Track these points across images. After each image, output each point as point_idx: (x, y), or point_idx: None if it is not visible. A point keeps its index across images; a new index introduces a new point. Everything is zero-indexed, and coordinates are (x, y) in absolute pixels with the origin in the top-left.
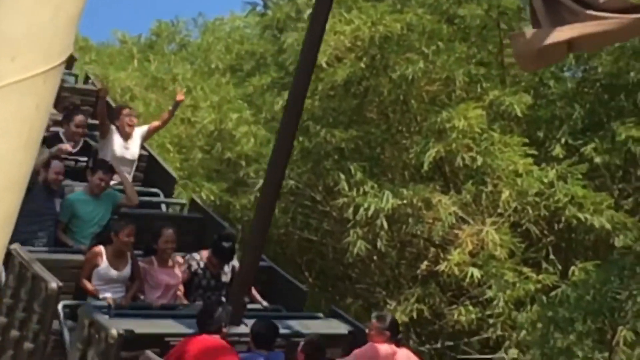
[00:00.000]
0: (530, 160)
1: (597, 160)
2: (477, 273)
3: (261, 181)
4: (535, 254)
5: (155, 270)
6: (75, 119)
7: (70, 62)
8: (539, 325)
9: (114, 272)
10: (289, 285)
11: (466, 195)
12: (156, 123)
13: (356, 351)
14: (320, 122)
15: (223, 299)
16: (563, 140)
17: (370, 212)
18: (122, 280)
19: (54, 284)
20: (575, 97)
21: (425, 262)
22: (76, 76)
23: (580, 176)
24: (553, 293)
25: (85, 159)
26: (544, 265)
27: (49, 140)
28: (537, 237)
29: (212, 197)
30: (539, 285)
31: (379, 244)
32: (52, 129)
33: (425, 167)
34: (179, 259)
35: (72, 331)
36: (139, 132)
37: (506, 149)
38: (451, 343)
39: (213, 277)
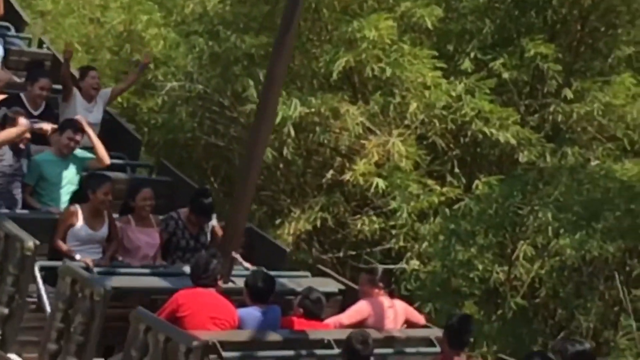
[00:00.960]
0: (439, 73)
1: (505, 75)
2: (381, 184)
3: (169, 84)
4: (440, 166)
5: (133, 230)
6: (40, 81)
7: (20, 25)
8: (441, 237)
9: (90, 232)
10: (271, 246)
11: (374, 106)
12: (120, 85)
13: (351, 308)
14: (231, 27)
15: None
16: (472, 55)
17: (277, 120)
18: (99, 240)
19: (30, 242)
20: (486, 11)
21: (331, 172)
22: (29, 40)
23: (487, 91)
24: (456, 206)
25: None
26: (449, 178)
27: (9, 102)
28: (443, 150)
29: (119, 99)
30: (442, 198)
31: (285, 151)
32: (11, 90)
33: (335, 76)
34: (157, 218)
35: (50, 294)
36: (102, 95)
37: (415, 61)
38: (353, 252)
39: (192, 237)
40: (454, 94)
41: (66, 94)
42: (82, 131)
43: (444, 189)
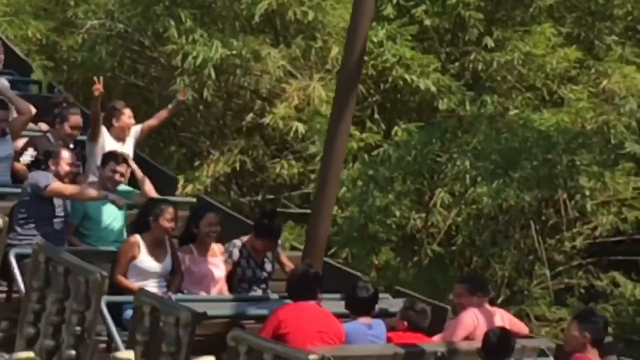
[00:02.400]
0: None
1: (427, 22)
2: (301, 128)
3: (90, 22)
4: (360, 112)
5: (196, 261)
6: (70, 119)
7: (26, 69)
8: (359, 183)
9: (154, 265)
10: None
11: (296, 49)
12: (151, 122)
13: (453, 324)
14: None
15: (271, 293)
16: (395, 1)
17: (198, 61)
18: (164, 273)
19: (97, 274)
20: None
21: (251, 115)
22: (39, 84)
23: (409, 37)
24: (375, 152)
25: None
26: (368, 124)
27: (37, 145)
28: (363, 96)
29: (38, 36)
30: (361, 144)
31: (205, 93)
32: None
33: (257, 19)
34: (220, 246)
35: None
36: (132, 132)
37: (338, 5)
38: (272, 196)
39: (258, 266)
40: (375, 39)
41: (95, 134)
42: (126, 162)
43: (364, 135)
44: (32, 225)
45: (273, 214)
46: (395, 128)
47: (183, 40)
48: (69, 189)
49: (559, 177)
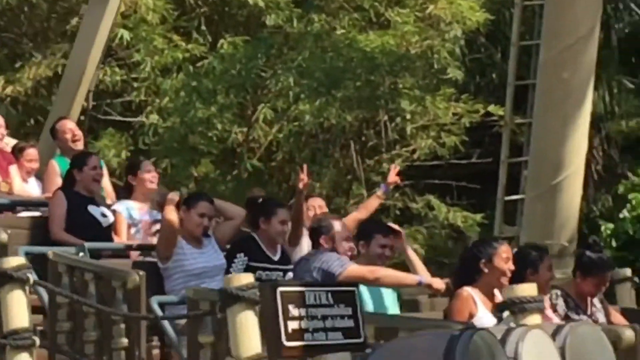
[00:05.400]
0: None
1: None
2: (127, 35)
3: None
4: (187, 22)
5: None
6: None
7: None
8: (182, 93)
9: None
10: None
11: None
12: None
13: None
14: None
15: None
16: None
17: None
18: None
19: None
20: None
21: (76, 19)
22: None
23: None
24: (200, 63)
25: None
26: (195, 35)
27: None
28: (191, 7)
29: None
30: (187, 54)
31: None
32: None
33: None
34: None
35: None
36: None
37: None
38: (94, 103)
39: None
40: None
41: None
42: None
43: (189, 46)
44: None
45: (597, 246)
46: (222, 41)
47: None
48: (375, 272)
49: (381, 99)
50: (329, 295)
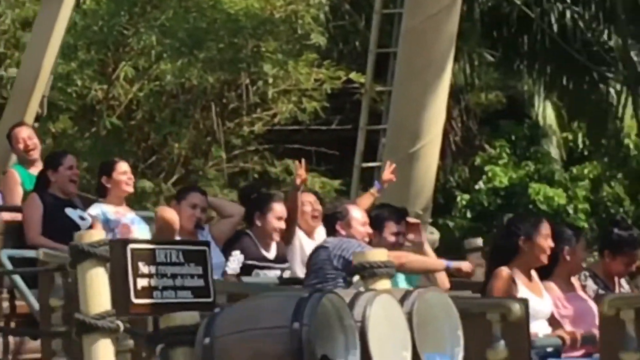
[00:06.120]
0: None
1: None
2: None
3: None
4: None
5: None
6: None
7: None
8: None
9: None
10: None
11: None
12: None
13: None
14: None
15: None
16: None
17: None
18: None
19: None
20: None
21: None
22: None
23: None
24: None
25: None
26: None
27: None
28: None
29: None
30: None
31: None
32: None
33: None
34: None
35: None
36: None
37: None
38: None
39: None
40: None
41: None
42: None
43: None
44: None
45: (623, 224)
46: None
47: None
48: (401, 258)
49: (244, 62)
50: (180, 253)
